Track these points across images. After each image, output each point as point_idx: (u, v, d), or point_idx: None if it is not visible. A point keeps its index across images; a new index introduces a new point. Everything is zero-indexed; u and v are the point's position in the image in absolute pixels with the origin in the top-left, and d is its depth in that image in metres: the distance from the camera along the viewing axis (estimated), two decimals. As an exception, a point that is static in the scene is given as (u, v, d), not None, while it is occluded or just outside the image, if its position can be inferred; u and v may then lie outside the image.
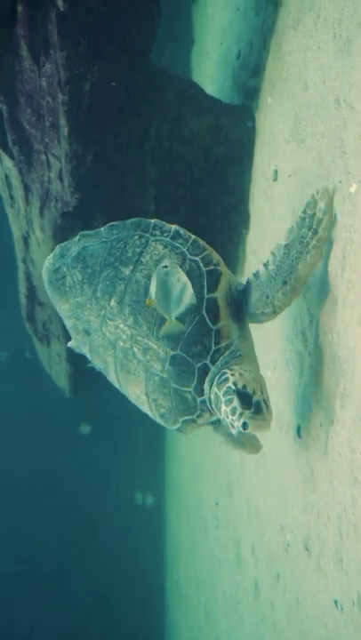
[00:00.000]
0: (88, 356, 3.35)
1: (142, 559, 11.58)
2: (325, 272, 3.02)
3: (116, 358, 3.13)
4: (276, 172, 4.03)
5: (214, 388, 2.81)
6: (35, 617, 11.19)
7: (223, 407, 2.73)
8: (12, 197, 5.60)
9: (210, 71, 7.22)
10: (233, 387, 2.71)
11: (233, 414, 2.68)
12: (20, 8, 3.94)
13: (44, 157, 4.66)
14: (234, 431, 2.72)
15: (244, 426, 2.64)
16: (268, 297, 2.92)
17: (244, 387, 2.71)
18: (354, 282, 2.69)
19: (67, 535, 11.57)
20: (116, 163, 4.66)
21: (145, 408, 3.13)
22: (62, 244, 3.43)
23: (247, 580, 5.00)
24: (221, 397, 2.74)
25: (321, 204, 2.86)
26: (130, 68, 4.28)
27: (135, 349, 3.01)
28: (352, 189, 2.70)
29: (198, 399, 2.90)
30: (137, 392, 3.11)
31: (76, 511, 11.57)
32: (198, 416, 2.94)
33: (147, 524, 11.75)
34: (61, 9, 3.77)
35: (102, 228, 3.31)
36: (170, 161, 4.88)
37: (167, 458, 11.25)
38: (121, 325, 3.05)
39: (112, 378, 3.24)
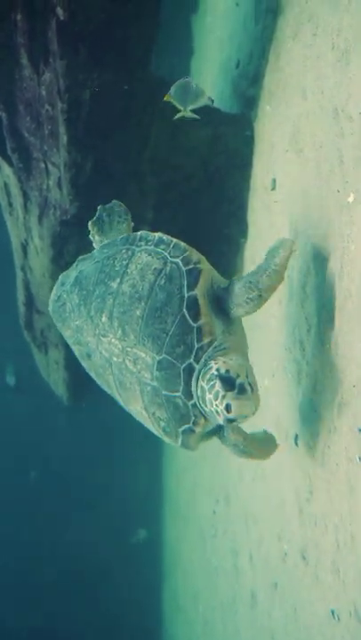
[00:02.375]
0: (98, 382, 3.32)
1: (139, 570, 11.52)
2: (323, 281, 3.02)
3: (114, 376, 3.08)
4: (274, 181, 4.04)
5: (200, 383, 2.72)
6: (31, 626, 11.12)
7: (207, 396, 2.65)
8: (10, 205, 5.61)
9: (209, 80, 7.25)
10: (216, 372, 2.63)
11: (216, 399, 2.60)
12: (19, 16, 3.95)
13: (42, 165, 4.67)
14: (220, 419, 2.63)
15: (228, 407, 2.56)
16: (251, 282, 2.83)
17: (228, 371, 2.62)
18: (351, 291, 2.69)
19: (63, 546, 11.52)
20: (115, 171, 4.67)
21: (149, 425, 3.05)
22: (64, 273, 3.47)
23: (245, 590, 4.98)
24: (205, 387, 2.67)
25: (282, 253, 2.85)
26: (129, 76, 4.29)
27: (127, 362, 2.96)
28: (350, 199, 2.70)
29: (189, 403, 2.80)
30: (138, 408, 3.04)
31: (71, 523, 11.52)
32: (194, 423, 2.83)
33: (144, 534, 11.70)
34: (61, 17, 3.78)
35: (95, 250, 3.34)
36: (168, 170, 4.89)
37: (165, 467, 11.22)
38: (112, 340, 3.01)
39: (118, 400, 3.19)
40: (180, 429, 2.87)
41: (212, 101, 3.52)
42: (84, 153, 4.39)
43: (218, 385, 2.61)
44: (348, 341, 2.73)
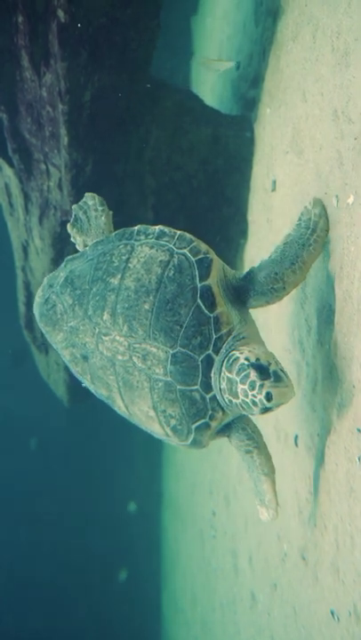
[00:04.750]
0: (91, 387, 3.16)
1: (138, 571, 11.53)
2: (323, 282, 3.04)
3: (117, 376, 2.94)
4: (274, 182, 4.05)
5: (225, 375, 2.61)
6: (30, 630, 11.11)
7: (240, 387, 2.53)
8: (11, 206, 5.62)
9: (209, 82, 7.27)
10: (246, 362, 2.53)
11: (252, 389, 2.49)
12: (20, 18, 3.97)
13: (43, 166, 4.69)
14: (256, 410, 2.53)
15: (268, 396, 2.46)
16: (277, 273, 2.81)
17: (258, 359, 2.53)
18: (351, 293, 2.70)
19: (62, 546, 11.51)
20: (116, 172, 4.69)
21: (156, 427, 2.91)
22: (50, 275, 3.30)
23: (244, 591, 4.98)
24: (236, 378, 2.55)
25: (315, 210, 2.91)
26: (130, 78, 4.31)
27: (135, 359, 2.84)
28: (349, 200, 2.71)
29: (207, 396, 2.71)
30: (144, 408, 2.89)
31: (71, 523, 11.52)
32: (211, 417, 2.74)
33: (143, 535, 11.70)
34: (62, 20, 3.79)
35: (87, 248, 3.20)
36: (169, 171, 4.91)
37: (164, 468, 11.22)
38: (117, 337, 2.89)
39: (118, 403, 3.04)
40: (195, 425, 2.78)
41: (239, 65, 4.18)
42: (85, 154, 4.40)
43: (253, 374, 2.51)
44: (347, 342, 2.74)
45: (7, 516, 11.09)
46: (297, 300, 3.49)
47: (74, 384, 6.45)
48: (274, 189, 4.07)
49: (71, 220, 3.41)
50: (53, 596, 11.41)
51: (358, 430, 2.62)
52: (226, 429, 2.95)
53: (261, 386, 2.49)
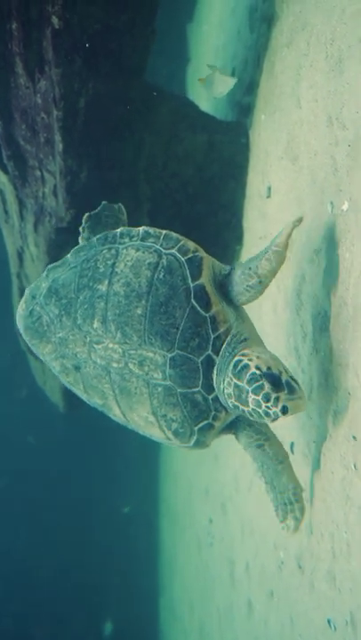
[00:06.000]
0: (84, 396, 3.11)
1: (136, 577, 11.49)
2: (318, 289, 3.03)
3: (113, 384, 2.89)
4: (269, 188, 4.05)
5: (232, 380, 2.57)
6: (27, 635, 11.06)
7: (252, 397, 2.49)
8: (6, 212, 5.61)
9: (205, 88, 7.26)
10: (258, 371, 2.49)
11: (267, 401, 2.45)
12: (15, 25, 3.96)
13: (38, 173, 4.68)
14: (268, 420, 2.50)
15: (284, 410, 2.43)
16: (251, 268, 2.73)
17: (269, 369, 2.49)
18: (346, 299, 2.69)
19: (60, 553, 11.47)
20: (111, 179, 4.68)
21: (156, 432, 2.88)
22: (32, 285, 3.20)
23: (241, 599, 4.96)
24: (247, 387, 2.50)
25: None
26: (125, 85, 4.31)
27: (130, 366, 2.79)
28: (344, 207, 2.71)
29: (209, 397, 2.68)
30: (144, 414, 2.84)
31: (69, 529, 11.48)
32: (214, 418, 2.71)
33: (140, 542, 11.67)
34: (57, 26, 3.79)
35: (68, 255, 3.12)
36: (164, 178, 4.90)
37: (161, 475, 11.20)
38: (110, 345, 2.83)
39: (114, 410, 2.99)
40: (198, 427, 2.75)
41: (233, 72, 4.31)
42: (80, 161, 4.40)
43: (267, 386, 2.46)
44: (343, 349, 2.73)
45: (6, 520, 11.06)
46: (292, 307, 3.48)
47: (69, 391, 6.42)
48: (269, 196, 4.07)
49: (93, 212, 3.37)
50: (51, 602, 11.36)
51: (354, 438, 2.61)
52: (231, 426, 2.91)
53: (277, 399, 2.45)
